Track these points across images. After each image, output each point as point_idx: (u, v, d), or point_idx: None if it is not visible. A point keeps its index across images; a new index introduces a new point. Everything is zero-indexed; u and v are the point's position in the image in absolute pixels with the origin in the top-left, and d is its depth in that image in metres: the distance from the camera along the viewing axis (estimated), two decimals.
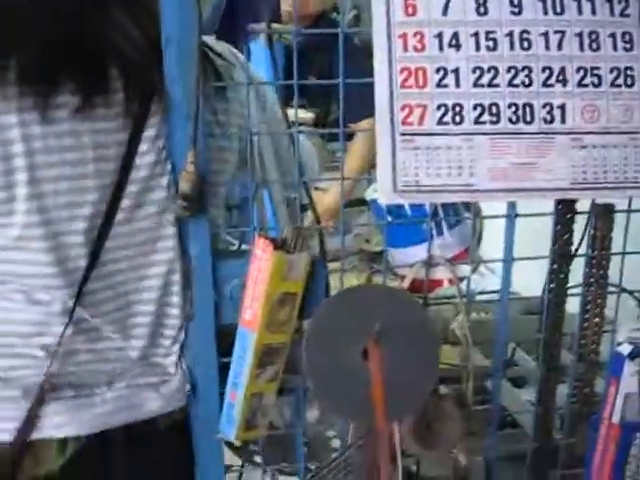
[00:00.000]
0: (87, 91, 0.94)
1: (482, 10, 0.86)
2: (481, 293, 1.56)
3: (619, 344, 1.02)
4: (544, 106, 0.87)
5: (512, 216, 1.01)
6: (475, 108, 0.87)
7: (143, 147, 0.97)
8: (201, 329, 1.01)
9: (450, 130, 0.87)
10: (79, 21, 0.93)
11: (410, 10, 0.86)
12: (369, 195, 1.96)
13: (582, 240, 1.05)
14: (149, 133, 0.97)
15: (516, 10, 0.87)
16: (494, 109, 0.87)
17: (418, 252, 1.01)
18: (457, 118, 0.86)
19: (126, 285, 1.02)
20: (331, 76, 2.24)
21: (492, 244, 1.46)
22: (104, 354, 1.02)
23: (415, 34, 0.86)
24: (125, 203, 0.99)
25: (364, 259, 2.08)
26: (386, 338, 0.96)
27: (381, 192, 0.86)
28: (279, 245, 0.94)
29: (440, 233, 1.71)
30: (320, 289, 0.99)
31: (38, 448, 1.01)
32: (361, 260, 2.07)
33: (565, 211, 1.01)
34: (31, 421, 0.99)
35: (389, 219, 0.99)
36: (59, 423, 1.01)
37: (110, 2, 0.94)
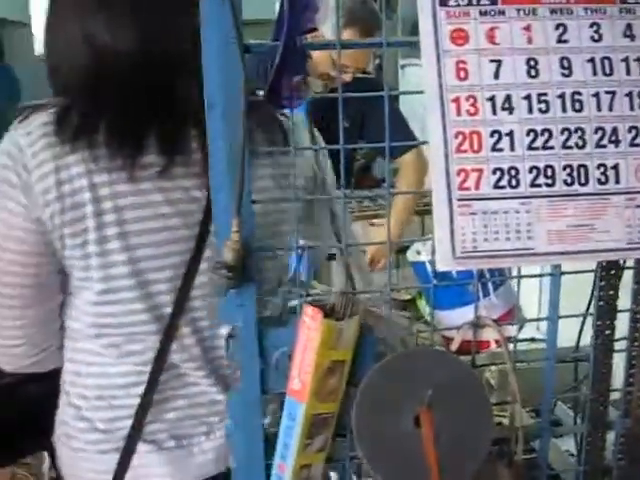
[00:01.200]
0: (170, 151, 0.99)
1: (533, 72, 0.86)
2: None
3: None
4: (598, 167, 0.87)
5: (557, 275, 1.00)
6: (531, 171, 0.85)
7: None
8: (246, 398, 0.98)
9: (506, 194, 0.85)
10: (171, 90, 0.99)
11: (462, 74, 0.85)
12: (411, 257, 1.95)
13: (616, 294, 1.03)
14: None
15: (566, 72, 0.86)
16: (549, 171, 0.86)
17: (464, 314, 0.99)
18: (513, 181, 0.85)
19: (209, 330, 1.06)
20: (361, 121, 2.28)
21: (524, 287, 1.45)
22: (196, 399, 1.07)
23: (468, 98, 0.85)
24: (207, 253, 1.03)
25: (394, 308, 2.09)
26: (437, 403, 0.94)
27: (440, 258, 0.84)
28: (328, 312, 0.92)
29: (486, 294, 1.69)
30: (369, 354, 0.97)
31: None
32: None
33: (609, 267, 1.00)
34: (123, 470, 1.02)
35: (434, 281, 0.97)
36: (162, 473, 1.05)
37: (194, 70, 0.94)
